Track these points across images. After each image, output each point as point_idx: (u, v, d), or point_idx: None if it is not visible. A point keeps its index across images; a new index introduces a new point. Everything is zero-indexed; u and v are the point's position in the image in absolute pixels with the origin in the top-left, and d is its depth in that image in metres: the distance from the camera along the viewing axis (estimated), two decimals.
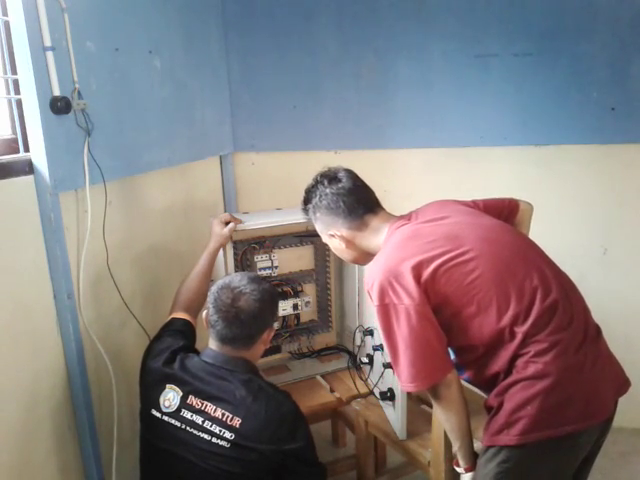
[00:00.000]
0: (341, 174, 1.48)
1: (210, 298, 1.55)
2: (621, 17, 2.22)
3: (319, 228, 1.53)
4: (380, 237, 1.42)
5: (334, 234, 1.47)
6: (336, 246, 1.50)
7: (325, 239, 1.54)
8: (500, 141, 2.43)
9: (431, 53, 2.39)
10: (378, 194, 1.52)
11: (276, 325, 1.66)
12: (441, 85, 2.42)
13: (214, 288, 1.57)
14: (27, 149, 1.51)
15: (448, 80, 2.40)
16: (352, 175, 1.49)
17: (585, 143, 2.36)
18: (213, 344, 1.54)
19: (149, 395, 1.51)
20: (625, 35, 2.23)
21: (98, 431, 1.71)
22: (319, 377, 2.02)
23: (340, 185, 1.45)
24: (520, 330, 1.23)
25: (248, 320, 1.50)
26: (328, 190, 1.46)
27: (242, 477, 1.44)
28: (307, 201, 1.52)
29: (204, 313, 1.58)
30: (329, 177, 1.48)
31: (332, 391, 1.95)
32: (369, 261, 1.41)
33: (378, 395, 1.81)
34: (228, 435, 1.42)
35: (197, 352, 1.59)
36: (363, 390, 1.89)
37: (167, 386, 1.49)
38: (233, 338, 1.50)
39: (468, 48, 2.35)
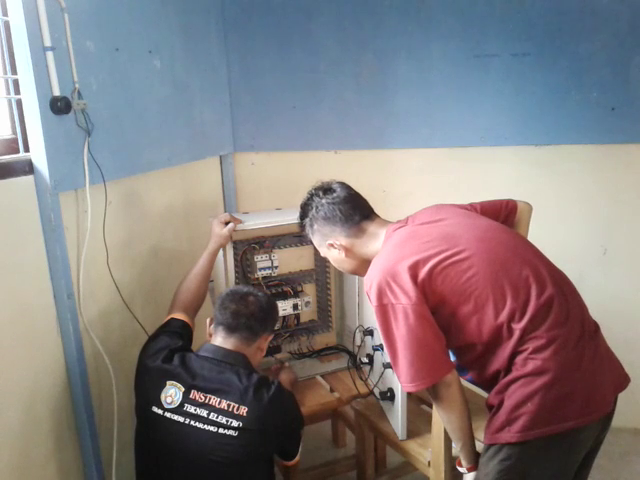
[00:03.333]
0: (335, 185, 1.51)
1: (217, 303, 1.63)
2: (621, 17, 2.22)
3: (317, 241, 1.54)
4: (378, 242, 1.43)
5: (333, 243, 1.48)
6: (335, 256, 1.51)
7: (324, 252, 1.54)
8: (500, 141, 2.43)
9: (431, 53, 2.39)
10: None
11: (272, 336, 1.75)
12: (441, 85, 2.42)
13: (220, 295, 1.65)
14: (27, 149, 1.51)
15: (448, 80, 2.41)
16: (345, 185, 1.52)
17: (585, 143, 2.37)
18: (217, 338, 1.59)
19: (149, 393, 1.52)
20: (625, 35, 2.23)
21: (98, 431, 1.71)
22: (319, 377, 2.02)
23: (335, 195, 1.48)
24: (517, 327, 1.24)
25: (255, 313, 1.60)
26: (324, 200, 1.48)
27: (244, 465, 1.47)
28: (303, 215, 1.53)
29: (207, 321, 1.66)
30: (323, 189, 1.51)
31: (332, 391, 1.95)
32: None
33: (378, 395, 1.81)
34: (235, 424, 1.45)
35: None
36: (363, 390, 1.89)
37: (168, 383, 1.50)
38: (237, 326, 1.57)
39: (468, 48, 2.35)
